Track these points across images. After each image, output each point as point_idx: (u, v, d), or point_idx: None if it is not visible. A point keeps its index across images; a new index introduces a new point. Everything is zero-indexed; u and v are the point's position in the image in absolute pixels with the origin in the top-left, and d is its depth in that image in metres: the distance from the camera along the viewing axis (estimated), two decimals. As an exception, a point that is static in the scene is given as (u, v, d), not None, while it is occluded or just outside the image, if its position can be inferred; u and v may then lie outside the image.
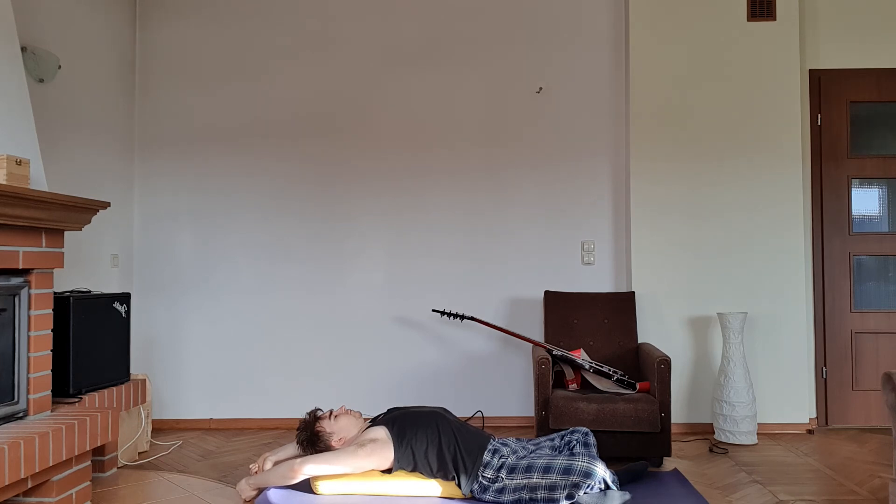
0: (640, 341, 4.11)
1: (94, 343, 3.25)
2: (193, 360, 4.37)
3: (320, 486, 2.83)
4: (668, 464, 3.46)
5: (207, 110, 4.42)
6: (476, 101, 4.38)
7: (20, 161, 2.60)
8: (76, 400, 3.06)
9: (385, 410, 3.73)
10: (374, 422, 2.99)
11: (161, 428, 4.33)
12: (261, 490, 2.88)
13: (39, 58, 3.42)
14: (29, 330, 2.71)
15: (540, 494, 2.64)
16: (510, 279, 4.35)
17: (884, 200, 4.29)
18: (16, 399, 2.67)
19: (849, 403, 4.24)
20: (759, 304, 4.14)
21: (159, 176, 4.42)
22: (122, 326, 3.48)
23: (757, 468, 3.38)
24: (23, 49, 3.30)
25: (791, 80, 4.17)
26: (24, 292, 2.70)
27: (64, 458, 2.57)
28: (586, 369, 3.62)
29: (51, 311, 2.83)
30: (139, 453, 3.69)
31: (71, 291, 3.30)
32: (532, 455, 2.81)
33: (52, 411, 2.85)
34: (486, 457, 2.81)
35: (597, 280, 4.34)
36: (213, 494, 3.00)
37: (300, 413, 4.33)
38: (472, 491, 2.80)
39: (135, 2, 4.44)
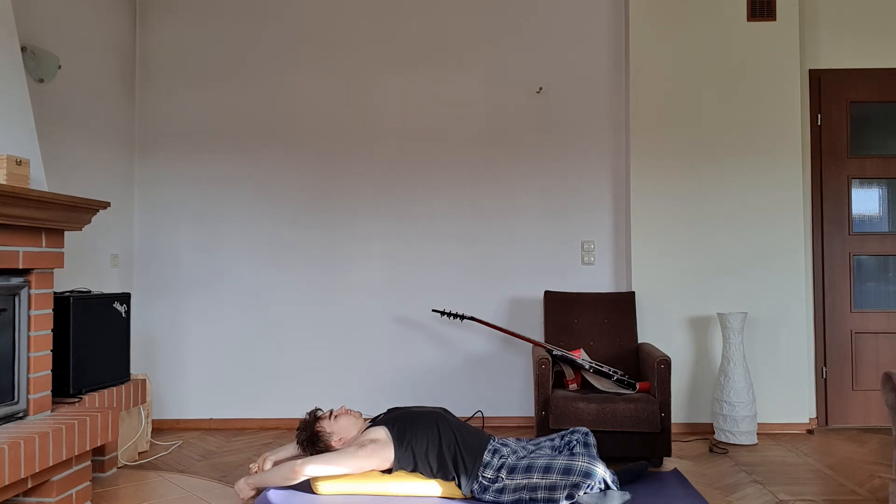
0: (640, 341, 4.11)
1: (94, 343, 3.25)
2: (193, 360, 4.37)
3: (320, 487, 2.83)
4: (668, 464, 3.46)
5: (208, 110, 4.42)
6: (476, 101, 4.38)
7: (20, 161, 2.60)
8: (76, 400, 3.06)
9: (385, 410, 3.73)
10: (375, 422, 2.99)
11: (161, 428, 4.33)
12: (260, 490, 2.88)
13: (39, 58, 3.42)
14: (29, 330, 2.71)
15: (540, 494, 2.64)
16: (510, 279, 4.35)
17: (884, 200, 4.29)
18: (16, 399, 2.67)
19: (849, 403, 4.24)
20: (759, 304, 4.14)
21: (159, 176, 4.42)
22: (122, 326, 3.48)
23: (757, 468, 3.38)
24: (23, 49, 3.30)
25: (791, 80, 4.17)
26: (24, 292, 2.70)
27: (64, 458, 2.57)
28: (586, 369, 3.62)
29: (51, 311, 2.83)
30: (139, 453, 3.69)
31: (71, 291, 3.30)
32: (532, 455, 2.81)
33: (52, 411, 2.84)
34: (486, 457, 2.81)
35: (597, 280, 4.33)
36: (213, 494, 3.00)
37: (300, 413, 4.33)
38: (472, 491, 2.80)
39: (135, 2, 4.44)
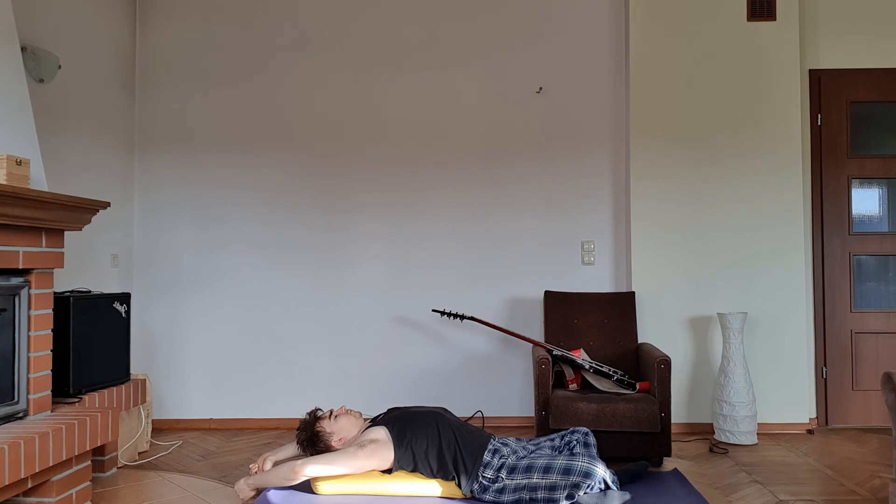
0: (640, 341, 4.11)
1: (94, 343, 3.25)
2: (193, 360, 4.37)
3: (321, 487, 2.83)
4: (668, 464, 3.46)
5: (207, 110, 4.42)
6: (476, 101, 4.38)
7: (20, 161, 2.60)
8: (76, 400, 3.06)
9: (385, 410, 3.73)
10: (374, 422, 2.99)
11: (161, 428, 4.33)
12: (260, 490, 2.88)
13: (39, 58, 3.42)
14: (29, 330, 2.71)
15: (540, 494, 2.64)
16: (510, 279, 4.35)
17: (884, 200, 4.29)
18: (16, 399, 2.67)
19: (849, 403, 4.24)
20: (759, 304, 4.14)
21: (159, 176, 4.42)
22: (122, 326, 3.48)
23: (757, 468, 3.38)
24: (23, 49, 3.30)
25: (791, 80, 4.17)
26: (24, 292, 2.70)
27: (64, 458, 2.57)
28: (586, 369, 3.62)
29: (51, 311, 2.83)
30: (139, 453, 3.69)
31: (71, 291, 3.30)
32: (532, 455, 2.81)
33: (52, 411, 2.85)
34: (486, 457, 2.81)
35: (597, 280, 4.33)
36: (213, 494, 3.00)
37: (300, 413, 4.33)
38: (472, 491, 2.80)
39: (135, 2, 4.44)
